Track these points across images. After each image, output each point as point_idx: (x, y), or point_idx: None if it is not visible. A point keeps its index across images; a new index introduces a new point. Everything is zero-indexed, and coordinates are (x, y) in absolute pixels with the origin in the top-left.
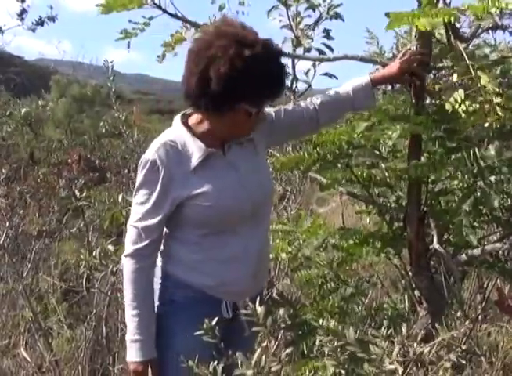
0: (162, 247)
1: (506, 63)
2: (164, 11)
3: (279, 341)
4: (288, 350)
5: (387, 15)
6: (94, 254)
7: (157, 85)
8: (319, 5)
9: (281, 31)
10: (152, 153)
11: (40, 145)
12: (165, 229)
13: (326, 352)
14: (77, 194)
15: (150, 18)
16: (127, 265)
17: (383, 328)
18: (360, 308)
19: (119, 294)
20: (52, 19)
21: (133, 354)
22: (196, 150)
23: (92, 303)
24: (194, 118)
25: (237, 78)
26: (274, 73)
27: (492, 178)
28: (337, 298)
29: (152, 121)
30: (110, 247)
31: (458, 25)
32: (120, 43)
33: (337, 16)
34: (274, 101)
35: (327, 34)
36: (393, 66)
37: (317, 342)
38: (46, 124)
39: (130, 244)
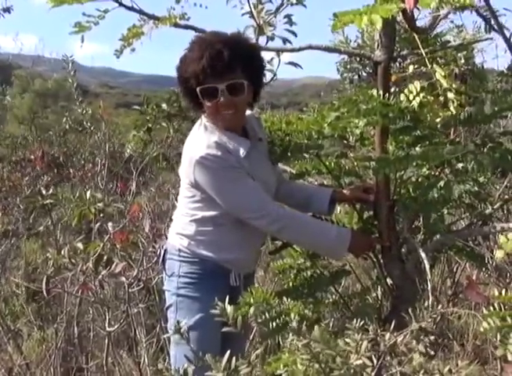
0: (183, 226)
1: (468, 49)
2: (120, 4)
3: (255, 332)
4: (258, 351)
5: (335, 15)
6: (62, 252)
7: (123, 78)
8: None
9: (246, 20)
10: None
11: (4, 142)
12: (190, 210)
13: (299, 346)
14: (43, 192)
15: (106, 11)
16: (280, 222)
17: (355, 320)
18: (334, 297)
19: (90, 293)
20: (8, 10)
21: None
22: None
23: (62, 303)
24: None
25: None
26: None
27: (460, 165)
28: (311, 288)
29: (119, 114)
30: (79, 245)
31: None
32: (88, 36)
33: (299, 1)
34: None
35: (289, 19)
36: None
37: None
38: (9, 121)
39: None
